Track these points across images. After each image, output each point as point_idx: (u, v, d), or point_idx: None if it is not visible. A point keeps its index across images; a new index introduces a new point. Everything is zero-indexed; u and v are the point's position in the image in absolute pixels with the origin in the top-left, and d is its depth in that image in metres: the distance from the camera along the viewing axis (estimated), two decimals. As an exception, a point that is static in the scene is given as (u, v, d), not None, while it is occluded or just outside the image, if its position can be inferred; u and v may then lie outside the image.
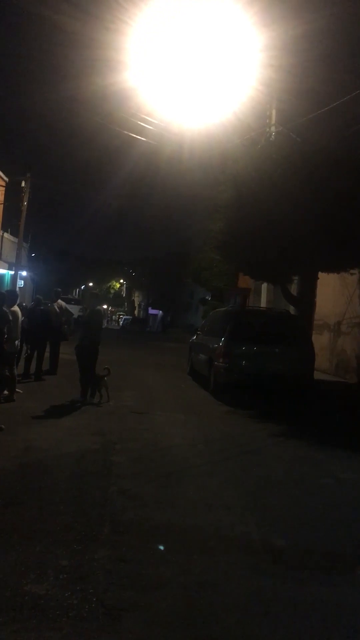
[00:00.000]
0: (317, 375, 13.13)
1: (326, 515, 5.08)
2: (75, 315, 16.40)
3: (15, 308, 8.91)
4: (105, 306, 60.46)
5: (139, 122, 17.12)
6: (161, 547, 4.05)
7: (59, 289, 13.64)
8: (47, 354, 11.91)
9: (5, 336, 7.88)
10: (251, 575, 3.77)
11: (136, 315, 60.69)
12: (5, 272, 27.19)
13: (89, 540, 4.07)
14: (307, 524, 4.83)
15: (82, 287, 67.77)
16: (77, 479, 5.49)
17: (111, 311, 59.53)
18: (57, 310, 12.29)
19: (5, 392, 8.85)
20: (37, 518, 4.39)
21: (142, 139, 18.05)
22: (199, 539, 4.28)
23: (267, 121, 16.45)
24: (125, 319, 55.58)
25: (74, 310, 20.23)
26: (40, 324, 10.59)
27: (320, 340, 15.73)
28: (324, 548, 4.32)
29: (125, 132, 17.94)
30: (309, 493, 5.74)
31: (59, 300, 12.74)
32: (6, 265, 26.77)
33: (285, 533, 4.55)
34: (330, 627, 3.25)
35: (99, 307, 11.56)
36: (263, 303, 19.32)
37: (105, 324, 35.48)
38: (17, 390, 9.20)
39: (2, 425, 7.03)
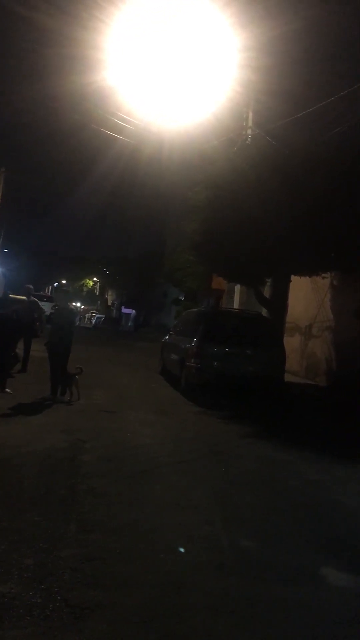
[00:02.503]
0: (288, 377, 13.25)
1: (293, 516, 5.13)
2: (47, 313, 16.23)
3: None
4: (78, 304, 60.02)
5: (118, 121, 17.05)
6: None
7: (30, 285, 13.49)
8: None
9: None
10: (217, 574, 3.78)
11: (109, 314, 60.39)
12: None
13: (54, 538, 4.03)
14: (274, 524, 4.87)
15: (55, 284, 67.20)
16: (44, 477, 5.42)
17: (84, 309, 59.08)
18: (28, 306, 12.14)
19: None
20: (1, 516, 4.33)
21: (121, 137, 17.99)
22: (166, 538, 4.28)
23: (245, 123, 16.55)
24: (98, 318, 55.24)
25: (46, 307, 20.02)
26: (10, 321, 10.38)
27: (291, 343, 15.87)
28: (289, 548, 4.35)
29: (104, 130, 17.83)
30: (276, 494, 5.78)
31: (31, 297, 12.61)
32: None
33: (252, 533, 4.58)
34: (294, 626, 3.28)
35: (70, 305, 11.46)
36: (236, 304, 19.41)
37: (78, 322, 35.22)
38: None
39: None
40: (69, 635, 2.92)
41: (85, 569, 3.63)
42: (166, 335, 15.16)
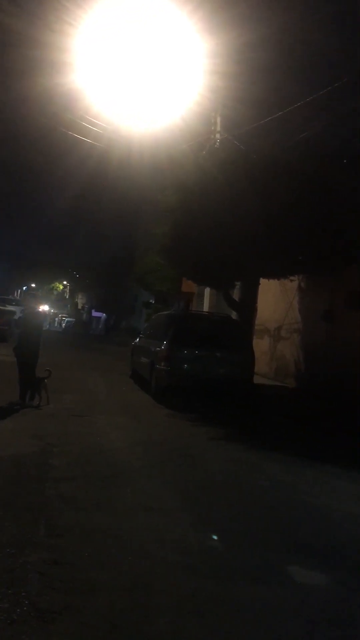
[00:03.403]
0: (258, 379, 13.38)
1: (261, 517, 5.19)
2: (17, 317, 16.05)
3: None
4: (47, 308, 59.42)
5: (87, 125, 16.99)
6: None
7: None
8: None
9: None
10: (186, 576, 3.81)
11: (80, 317, 59.97)
12: None
13: (23, 543, 4.01)
14: (243, 525, 4.92)
15: (24, 288, 66.47)
16: (13, 482, 5.38)
17: (54, 313, 58.57)
18: None
19: None
20: (-31, 522, 4.29)
21: (89, 141, 17.92)
22: (136, 541, 4.29)
23: (213, 128, 16.69)
24: (68, 322, 54.80)
25: (16, 311, 19.80)
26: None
27: (260, 345, 16.05)
28: (257, 549, 4.41)
29: (72, 134, 17.73)
30: (245, 495, 5.85)
31: None
32: None
33: (220, 534, 4.62)
34: (261, 625, 3.33)
35: (38, 308, 11.37)
36: (206, 307, 19.52)
37: (47, 326, 34.87)
38: None
39: None
40: (36, 639, 2.91)
41: (53, 573, 3.62)
42: (136, 339, 15.17)
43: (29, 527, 4.31)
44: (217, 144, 15.75)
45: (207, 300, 19.88)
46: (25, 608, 3.15)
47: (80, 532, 4.34)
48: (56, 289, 78.87)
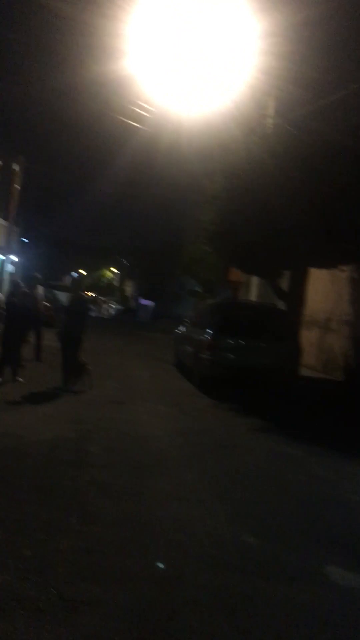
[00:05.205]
0: (305, 372, 13.06)
1: (298, 513, 5.00)
2: (65, 302, 16.14)
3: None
4: (95, 295, 60.12)
5: (137, 110, 16.86)
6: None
7: (38, 275, 13.29)
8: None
9: None
10: (217, 570, 3.68)
11: (127, 305, 60.44)
12: (-3, 257, 26.91)
13: (54, 530, 3.97)
14: (279, 521, 4.74)
15: (74, 275, 67.46)
16: (48, 467, 5.37)
17: (102, 300, 59.21)
18: (37, 296, 12.03)
19: None
20: (2, 506, 4.27)
21: (139, 126, 17.80)
22: (168, 532, 4.19)
23: (265, 111, 16.26)
24: (115, 309, 55.28)
25: (62, 297, 20.01)
26: (20, 311, 10.21)
27: (308, 337, 15.64)
28: (294, 547, 4.23)
29: (122, 119, 17.66)
30: (282, 489, 5.65)
31: (38, 286, 12.46)
32: (-3, 249, 26.51)
33: (255, 529, 4.45)
34: (294, 626, 3.16)
35: (83, 294, 11.37)
36: (253, 297, 19.20)
37: (95, 313, 35.24)
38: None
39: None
40: (61, 629, 2.84)
41: (82, 561, 3.55)
42: (180, 327, 15.05)
43: (62, 513, 4.26)
44: (269, 128, 15.33)
45: (254, 289, 19.56)
46: (51, 597, 3.09)
47: (112, 520, 4.27)
48: (105, 276, 79.70)
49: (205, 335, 11.30)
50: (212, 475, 5.78)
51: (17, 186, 24.26)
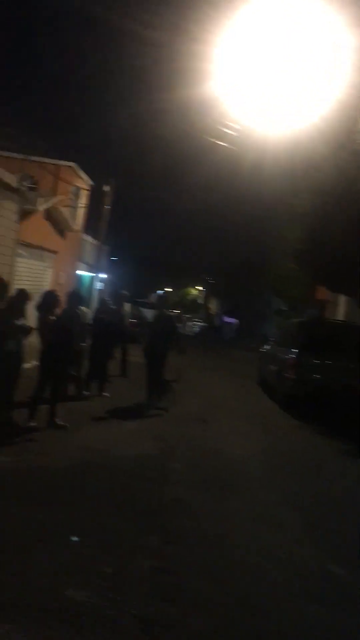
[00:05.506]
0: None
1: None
2: (149, 319, 16.33)
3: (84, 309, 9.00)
4: (179, 312, 60.76)
5: (222, 129, 16.98)
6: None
7: (125, 292, 13.51)
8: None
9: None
10: (300, 601, 3.53)
11: (211, 322, 60.57)
12: (86, 274, 27.85)
13: (135, 548, 3.96)
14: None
15: (160, 292, 68.59)
16: (131, 483, 5.40)
17: (186, 317, 59.69)
18: (124, 313, 12.24)
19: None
20: (84, 520, 4.32)
21: (226, 145, 17.90)
22: (247, 556, 4.08)
23: (355, 127, 15.87)
24: (199, 326, 55.55)
25: (148, 314, 20.32)
26: (107, 327, 10.43)
27: None
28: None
29: (208, 137, 17.83)
30: (373, 518, 5.36)
31: (124, 303, 12.67)
32: (87, 267, 27.43)
33: (342, 559, 4.24)
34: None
35: (170, 312, 11.45)
36: (340, 316, 18.66)
37: (179, 330, 35.49)
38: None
39: (67, 424, 7.06)
40: (139, 651, 2.80)
41: (161, 582, 3.52)
42: (265, 345, 14.85)
43: (143, 531, 4.25)
44: (359, 143, 14.94)
45: (341, 308, 19.00)
46: (129, 617, 3.07)
47: (191, 541, 4.22)
48: (189, 294, 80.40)
49: (290, 354, 11.07)
50: (297, 499, 5.60)
51: (106, 206, 25.05)
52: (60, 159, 22.21)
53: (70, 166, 22.95)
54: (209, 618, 3.19)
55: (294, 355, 10.91)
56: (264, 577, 3.78)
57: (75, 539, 3.93)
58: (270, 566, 3.95)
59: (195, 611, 3.24)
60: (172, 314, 12.52)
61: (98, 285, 27.91)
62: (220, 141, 16.77)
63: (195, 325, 57.46)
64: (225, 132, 16.58)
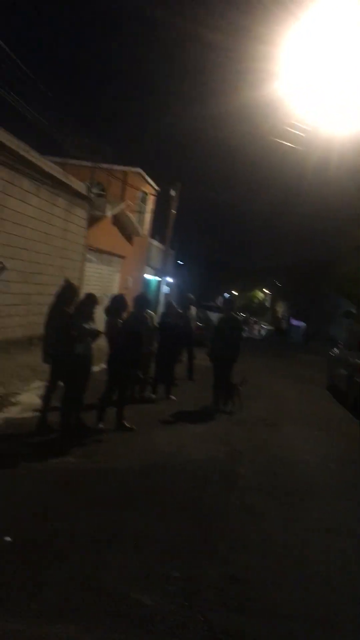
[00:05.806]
0: None
1: None
2: (216, 323, 16.26)
3: (151, 312, 9.10)
4: (246, 315, 60.32)
5: (290, 129, 16.75)
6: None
7: (191, 296, 13.49)
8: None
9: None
10: (375, 616, 3.38)
11: (279, 325, 59.86)
12: (153, 278, 28.20)
13: (203, 554, 3.93)
14: None
15: (227, 295, 68.40)
16: (198, 487, 5.37)
17: (253, 321, 59.23)
18: (190, 317, 12.25)
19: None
20: (152, 524, 4.34)
21: (292, 146, 17.64)
22: (318, 566, 3.97)
23: None
24: (266, 329, 55.04)
25: (215, 317, 20.26)
26: (173, 331, 10.47)
27: None
28: None
29: (276, 139, 17.63)
30: None
31: (191, 307, 12.67)
32: (153, 271, 27.76)
33: None
34: None
35: (237, 315, 11.37)
36: None
37: (246, 333, 35.30)
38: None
39: (134, 427, 7.14)
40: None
41: (230, 590, 3.47)
42: (334, 349, 14.49)
43: (210, 537, 4.23)
44: None
45: None
46: (199, 624, 3.04)
47: (260, 549, 4.15)
48: (256, 297, 79.73)
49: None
50: (370, 509, 5.41)
51: (173, 211, 25.25)
52: (128, 165, 22.58)
53: (137, 172, 23.29)
54: (278, 629, 3.12)
55: (364, 359, 10.58)
56: (336, 590, 3.66)
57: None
58: (342, 578, 3.83)
59: (263, 621, 3.17)
60: (238, 317, 12.44)
61: (164, 289, 28.18)
62: (288, 142, 16.56)
63: (262, 328, 56.95)
64: (292, 132, 16.36)
